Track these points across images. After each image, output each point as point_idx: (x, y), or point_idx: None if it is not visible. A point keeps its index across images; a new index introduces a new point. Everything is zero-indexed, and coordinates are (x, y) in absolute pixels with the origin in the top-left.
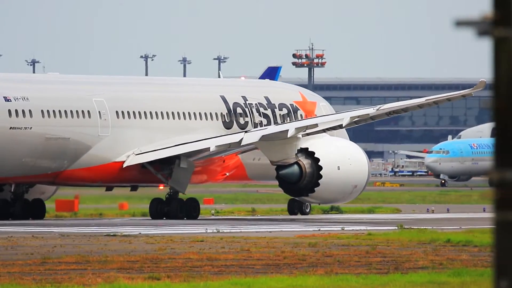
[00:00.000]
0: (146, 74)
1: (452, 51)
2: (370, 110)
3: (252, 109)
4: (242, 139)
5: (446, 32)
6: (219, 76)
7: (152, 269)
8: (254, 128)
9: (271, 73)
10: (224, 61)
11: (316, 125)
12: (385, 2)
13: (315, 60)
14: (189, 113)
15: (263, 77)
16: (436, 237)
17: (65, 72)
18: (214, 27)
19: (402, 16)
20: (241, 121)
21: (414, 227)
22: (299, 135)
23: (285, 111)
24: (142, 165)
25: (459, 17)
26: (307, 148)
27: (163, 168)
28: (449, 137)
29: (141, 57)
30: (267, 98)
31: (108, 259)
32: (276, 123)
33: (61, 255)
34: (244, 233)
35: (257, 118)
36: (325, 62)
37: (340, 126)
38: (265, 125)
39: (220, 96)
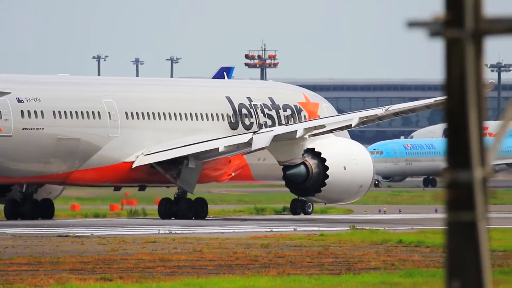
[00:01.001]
0: (99, 75)
1: (405, 52)
2: (379, 111)
3: (257, 110)
4: (251, 140)
5: (398, 33)
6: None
7: (104, 270)
8: (258, 128)
9: (223, 74)
10: (177, 62)
11: (324, 126)
12: (336, 3)
13: (268, 61)
14: (196, 114)
15: (216, 77)
16: (388, 237)
17: (16, 72)
18: (167, 27)
19: (352, 17)
20: (247, 121)
21: (366, 228)
22: (306, 136)
23: (289, 112)
24: (150, 165)
25: (410, 18)
26: (314, 149)
27: (172, 168)
28: (402, 137)
29: (94, 57)
30: (271, 99)
31: (60, 260)
32: (280, 123)
33: (12, 256)
34: (197, 234)
35: (262, 119)
36: (278, 63)
37: (348, 127)
38: (269, 126)
39: (226, 97)
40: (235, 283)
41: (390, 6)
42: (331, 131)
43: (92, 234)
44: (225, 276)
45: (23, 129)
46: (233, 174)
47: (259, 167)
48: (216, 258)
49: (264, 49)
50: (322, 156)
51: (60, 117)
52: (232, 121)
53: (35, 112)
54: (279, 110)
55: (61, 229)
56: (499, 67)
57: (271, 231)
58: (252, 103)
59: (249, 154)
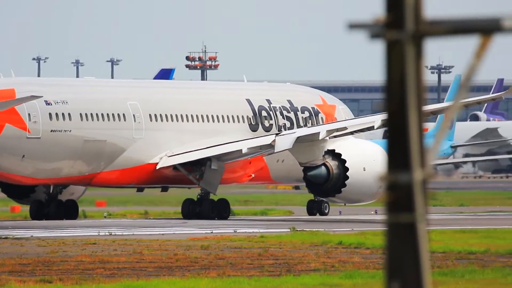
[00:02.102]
0: (39, 76)
1: (346, 53)
2: None
3: (276, 112)
4: (274, 142)
5: (338, 35)
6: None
7: (44, 272)
8: (278, 130)
9: (164, 75)
10: (117, 64)
11: (346, 128)
12: (275, 5)
13: (208, 63)
14: (217, 116)
15: (156, 79)
16: (328, 239)
17: None
18: (107, 29)
19: (291, 18)
20: (266, 123)
21: (307, 230)
22: (326, 137)
23: (307, 114)
24: (174, 167)
25: (351, 20)
26: (334, 150)
27: (195, 169)
28: None
29: (34, 59)
30: (289, 102)
31: None
32: (298, 125)
33: None
34: (137, 236)
35: (281, 121)
36: (218, 65)
37: (369, 129)
38: (288, 128)
39: (246, 99)
40: (175, 285)
41: (331, 9)
42: (352, 133)
43: (32, 236)
44: (165, 278)
45: (51, 131)
46: (252, 175)
47: (278, 168)
48: (156, 260)
49: (205, 51)
50: (342, 157)
51: (87, 119)
52: (252, 123)
53: (63, 114)
54: (297, 112)
55: (0, 231)
56: (439, 69)
57: (212, 233)
58: (271, 105)
59: (268, 156)
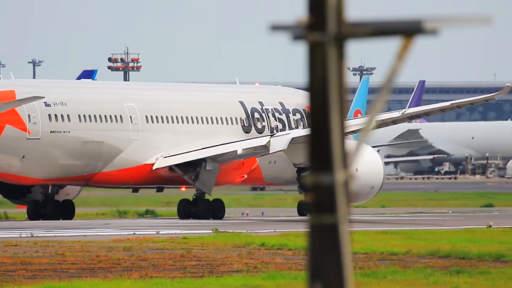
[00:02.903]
0: None
1: (268, 55)
2: (395, 114)
3: (268, 114)
4: (269, 143)
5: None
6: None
7: None
8: (270, 132)
9: (87, 77)
10: (39, 65)
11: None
12: (196, 7)
13: (130, 64)
14: (211, 118)
15: (79, 79)
16: (250, 240)
17: None
18: (29, 30)
19: (212, 19)
20: (259, 125)
21: (229, 231)
22: None
23: (298, 116)
24: (169, 167)
25: (274, 22)
26: None
27: (190, 170)
28: None
29: None
30: (281, 104)
31: None
32: (290, 127)
33: None
34: (59, 237)
35: (273, 123)
36: (141, 66)
37: (359, 130)
38: (280, 129)
39: (239, 101)
40: (98, 286)
41: (253, 9)
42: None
43: None
44: (87, 279)
45: (50, 132)
46: (245, 176)
47: (270, 169)
48: (79, 261)
49: (127, 52)
50: None
51: (85, 120)
52: (245, 125)
53: (62, 116)
54: (289, 114)
55: None
56: (361, 70)
57: (134, 234)
58: (263, 107)
59: (261, 157)
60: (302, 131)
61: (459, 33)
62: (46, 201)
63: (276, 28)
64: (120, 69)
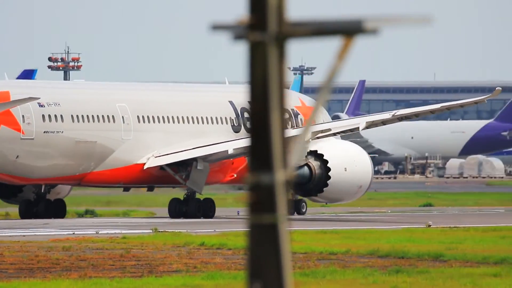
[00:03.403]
0: None
1: (206, 54)
2: (386, 116)
3: None
4: None
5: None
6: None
7: None
8: None
9: (27, 76)
10: None
11: (329, 130)
12: (135, 7)
13: (71, 64)
14: (202, 118)
15: (19, 79)
16: (190, 240)
17: None
18: None
19: (154, 19)
20: (248, 125)
21: (169, 231)
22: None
23: (286, 115)
24: (160, 167)
25: (215, 21)
26: (316, 151)
27: (181, 169)
28: None
29: None
30: None
31: None
32: None
33: None
34: None
35: None
36: (81, 65)
37: (351, 130)
38: None
39: (229, 101)
40: (36, 286)
41: (195, 10)
42: (335, 134)
43: None
44: (26, 279)
45: (44, 132)
46: (235, 175)
47: None
48: (17, 261)
49: (68, 51)
50: (324, 158)
51: (78, 121)
52: (235, 124)
53: (55, 116)
54: None
55: None
56: (301, 70)
57: (73, 234)
58: None
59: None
60: (293, 131)
61: (400, 32)
62: (38, 200)
63: (216, 27)
64: (60, 68)
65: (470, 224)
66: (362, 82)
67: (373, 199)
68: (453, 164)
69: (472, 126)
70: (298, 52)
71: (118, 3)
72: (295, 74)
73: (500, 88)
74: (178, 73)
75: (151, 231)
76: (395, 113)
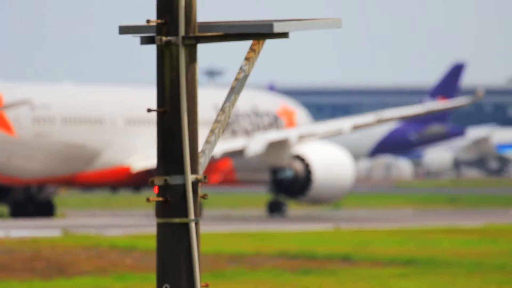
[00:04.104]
0: None
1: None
2: (370, 118)
3: (241, 117)
4: (247, 146)
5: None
6: None
7: None
8: (243, 134)
9: None
10: None
11: (316, 133)
12: (43, 7)
13: None
14: None
15: None
16: (100, 242)
17: None
18: None
19: (56, 20)
20: (233, 127)
21: (79, 232)
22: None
23: (270, 118)
24: (147, 170)
25: (124, 24)
26: (300, 153)
27: None
28: None
29: None
30: (254, 106)
31: None
32: (262, 129)
33: None
34: None
35: (247, 125)
36: None
37: (337, 133)
38: (253, 132)
39: (213, 104)
40: None
41: (107, 12)
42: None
43: None
44: None
45: (35, 134)
46: (219, 176)
47: (244, 170)
48: None
49: None
50: (308, 160)
51: (68, 123)
52: None
53: (46, 118)
54: (262, 117)
55: None
56: (211, 72)
57: None
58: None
59: (235, 158)
60: (279, 134)
61: (309, 35)
62: (27, 201)
63: (126, 30)
64: None
65: (379, 225)
66: (272, 84)
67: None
68: (362, 165)
69: (381, 128)
70: (207, 54)
71: (18, 3)
72: (204, 77)
73: (483, 90)
74: (89, 75)
75: (61, 232)
76: (380, 116)
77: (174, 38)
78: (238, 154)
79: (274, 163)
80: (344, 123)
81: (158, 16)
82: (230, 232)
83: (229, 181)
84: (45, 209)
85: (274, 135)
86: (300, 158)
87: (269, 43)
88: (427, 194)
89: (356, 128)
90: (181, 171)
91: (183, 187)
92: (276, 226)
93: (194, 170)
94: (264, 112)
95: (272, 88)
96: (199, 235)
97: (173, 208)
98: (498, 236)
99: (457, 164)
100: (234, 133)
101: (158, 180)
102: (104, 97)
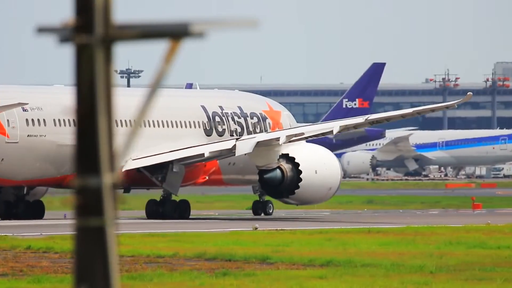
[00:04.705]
0: None
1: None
2: (359, 120)
3: (228, 117)
4: (235, 146)
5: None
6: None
7: None
8: (230, 135)
9: None
10: None
11: (303, 134)
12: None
13: None
14: (176, 122)
15: None
16: (16, 243)
17: None
18: None
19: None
20: (219, 128)
21: None
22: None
23: (255, 119)
24: (137, 169)
25: (40, 24)
26: (288, 154)
27: (157, 172)
28: None
29: None
30: (240, 108)
31: None
32: (248, 130)
33: None
34: None
35: (233, 126)
36: None
37: (323, 134)
38: (239, 133)
39: (201, 105)
40: None
41: (24, 12)
42: (308, 138)
43: None
44: None
45: (28, 136)
46: (207, 177)
47: (229, 171)
48: None
49: None
50: (296, 161)
51: (60, 125)
52: (207, 128)
53: (38, 120)
54: (247, 118)
55: None
56: (128, 73)
57: None
58: (223, 111)
59: (221, 159)
60: (266, 135)
61: (227, 35)
62: (17, 202)
63: (43, 30)
64: None
65: (297, 226)
66: (189, 85)
67: (200, 202)
68: None
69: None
70: (125, 55)
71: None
72: (121, 77)
73: (471, 93)
74: (4, 76)
75: None
76: (368, 117)
77: (91, 38)
78: (225, 154)
79: (262, 163)
80: (333, 124)
81: (75, 16)
82: (148, 233)
83: (215, 181)
84: (35, 210)
85: (262, 136)
86: (288, 158)
87: (268, 43)
88: (346, 196)
89: (344, 128)
90: (98, 172)
91: (100, 188)
92: (194, 227)
93: (112, 172)
94: (249, 113)
95: (189, 87)
96: (116, 237)
97: (90, 210)
98: (416, 237)
99: (376, 165)
100: (220, 134)
101: (75, 181)
102: None
